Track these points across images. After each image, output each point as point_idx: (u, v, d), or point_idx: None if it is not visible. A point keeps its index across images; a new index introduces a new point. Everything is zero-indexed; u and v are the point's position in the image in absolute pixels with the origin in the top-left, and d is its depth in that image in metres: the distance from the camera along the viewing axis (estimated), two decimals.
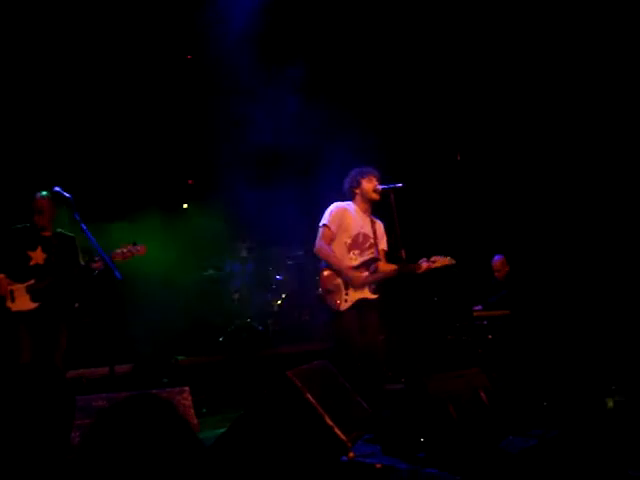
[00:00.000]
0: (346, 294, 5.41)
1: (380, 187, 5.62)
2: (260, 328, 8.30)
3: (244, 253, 8.92)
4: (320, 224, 5.54)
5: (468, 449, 4.29)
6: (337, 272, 5.42)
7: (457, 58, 8.78)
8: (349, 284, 5.43)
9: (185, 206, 9.49)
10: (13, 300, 5.21)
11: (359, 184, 5.65)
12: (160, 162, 8.49)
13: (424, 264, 5.59)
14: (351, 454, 4.26)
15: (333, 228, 5.50)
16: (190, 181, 9.64)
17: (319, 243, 5.48)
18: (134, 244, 5.38)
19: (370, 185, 5.60)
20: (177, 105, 8.43)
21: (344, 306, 5.40)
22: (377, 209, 5.81)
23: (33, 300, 5.25)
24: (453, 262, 5.71)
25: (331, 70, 8.63)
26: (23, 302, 5.23)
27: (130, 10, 7.44)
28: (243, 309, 8.56)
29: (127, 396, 1.84)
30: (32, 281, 5.26)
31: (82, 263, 5.45)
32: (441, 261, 5.66)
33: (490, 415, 4.86)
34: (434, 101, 9.17)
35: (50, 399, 2.19)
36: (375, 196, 5.61)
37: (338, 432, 3.78)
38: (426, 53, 8.81)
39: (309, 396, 3.84)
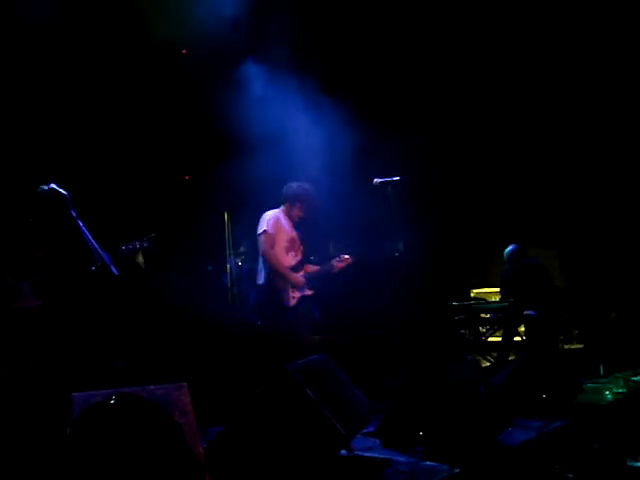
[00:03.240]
0: (292, 291, 6.13)
1: (378, 180, 5.75)
2: (258, 322, 8.27)
3: (242, 249, 8.92)
4: (260, 231, 6.18)
5: (467, 442, 4.29)
6: (282, 273, 6.11)
7: (454, 49, 8.76)
8: (293, 284, 6.14)
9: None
10: (17, 297, 5.19)
11: (292, 204, 6.29)
12: (156, 158, 8.44)
13: (337, 264, 6.31)
14: (350, 448, 4.26)
15: (273, 233, 6.15)
16: (187, 177, 9.60)
17: (265, 249, 6.14)
18: (141, 239, 5.41)
19: (297, 213, 6.30)
20: (172, 100, 8.39)
21: (292, 302, 6.12)
22: (374, 201, 5.93)
23: (36, 297, 5.23)
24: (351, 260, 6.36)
25: (328, 63, 8.56)
26: (26, 299, 5.21)
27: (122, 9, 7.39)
28: (240, 304, 8.54)
29: (103, 400, 1.82)
30: (35, 278, 5.24)
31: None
32: (346, 260, 6.34)
33: (489, 407, 4.85)
34: (432, 93, 9.16)
35: (46, 397, 2.18)
36: (296, 220, 6.32)
37: (337, 426, 3.78)
38: (424, 44, 8.79)
39: (308, 390, 3.84)
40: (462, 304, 7.96)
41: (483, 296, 8.70)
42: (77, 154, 7.43)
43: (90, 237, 4.91)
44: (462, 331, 7.75)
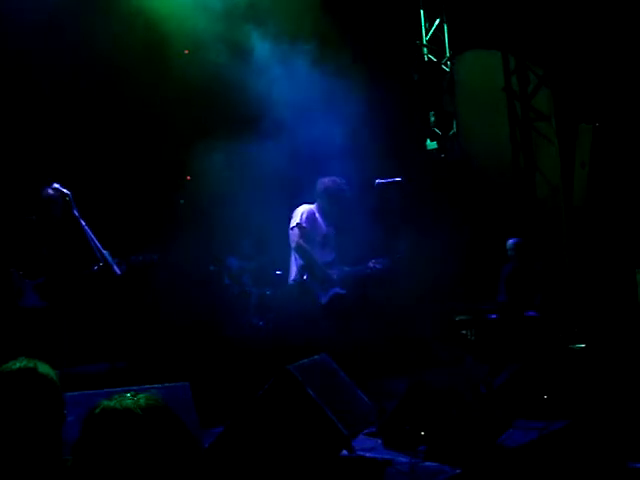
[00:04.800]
0: (324, 288, 5.93)
1: (380, 181, 5.75)
2: (260, 323, 8.28)
3: (247, 248, 8.93)
4: (293, 224, 5.99)
5: (469, 442, 4.29)
6: (315, 268, 5.89)
7: None
8: (325, 280, 5.93)
9: (182, 202, 9.47)
10: (21, 296, 5.19)
11: (323, 198, 6.12)
12: (156, 158, 8.42)
13: (372, 265, 6.11)
14: (352, 448, 4.27)
15: (307, 227, 5.96)
16: (188, 177, 9.59)
17: (298, 242, 5.93)
18: (152, 255, 5.45)
19: (329, 208, 6.10)
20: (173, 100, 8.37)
21: (324, 299, 5.90)
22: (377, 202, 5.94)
23: (41, 297, 5.23)
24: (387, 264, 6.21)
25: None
26: (29, 298, 5.20)
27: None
28: (243, 304, 8.53)
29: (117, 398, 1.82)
30: (40, 278, 5.24)
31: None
32: (381, 263, 6.15)
33: (490, 408, 4.86)
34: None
35: (37, 398, 2.16)
36: (329, 216, 6.13)
37: (339, 426, 3.78)
38: None
39: (309, 390, 3.84)
40: (463, 305, 7.96)
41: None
42: (77, 153, 7.43)
43: (93, 236, 4.92)
44: (463, 332, 7.73)
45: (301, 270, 5.93)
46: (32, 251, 5.32)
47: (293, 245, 5.98)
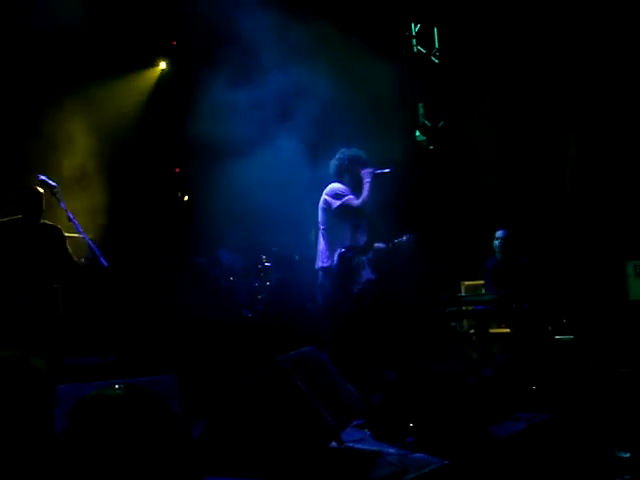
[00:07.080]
0: (359, 276, 5.57)
1: (367, 170, 5.70)
2: (249, 315, 8.28)
3: (236, 241, 8.93)
4: (335, 206, 5.60)
5: (457, 434, 4.30)
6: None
7: None
8: (360, 265, 5.58)
9: (186, 198, 9.44)
10: (6, 293, 5.15)
11: (349, 169, 5.75)
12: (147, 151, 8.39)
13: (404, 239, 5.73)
14: (340, 440, 4.27)
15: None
16: (177, 169, 9.57)
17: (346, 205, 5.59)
18: None
19: (354, 180, 5.73)
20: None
21: (356, 288, 5.55)
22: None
23: (26, 294, 5.19)
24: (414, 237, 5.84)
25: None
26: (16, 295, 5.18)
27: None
28: (232, 296, 8.53)
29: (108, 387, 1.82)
30: (21, 298, 5.20)
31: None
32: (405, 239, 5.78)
33: (479, 399, 4.87)
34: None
35: (27, 390, 2.16)
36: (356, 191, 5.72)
37: (327, 418, 3.78)
38: None
39: (298, 382, 3.84)
40: (452, 296, 7.95)
41: (475, 288, 8.64)
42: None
43: (81, 229, 4.90)
44: (453, 324, 7.74)
45: (339, 256, 5.55)
46: (14, 250, 5.27)
47: (337, 218, 5.62)
